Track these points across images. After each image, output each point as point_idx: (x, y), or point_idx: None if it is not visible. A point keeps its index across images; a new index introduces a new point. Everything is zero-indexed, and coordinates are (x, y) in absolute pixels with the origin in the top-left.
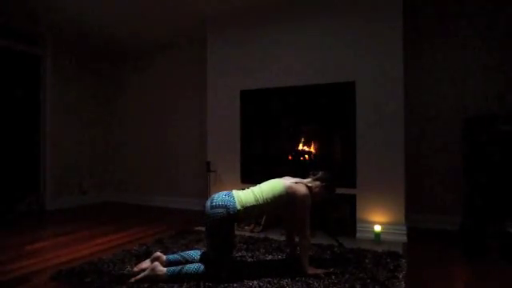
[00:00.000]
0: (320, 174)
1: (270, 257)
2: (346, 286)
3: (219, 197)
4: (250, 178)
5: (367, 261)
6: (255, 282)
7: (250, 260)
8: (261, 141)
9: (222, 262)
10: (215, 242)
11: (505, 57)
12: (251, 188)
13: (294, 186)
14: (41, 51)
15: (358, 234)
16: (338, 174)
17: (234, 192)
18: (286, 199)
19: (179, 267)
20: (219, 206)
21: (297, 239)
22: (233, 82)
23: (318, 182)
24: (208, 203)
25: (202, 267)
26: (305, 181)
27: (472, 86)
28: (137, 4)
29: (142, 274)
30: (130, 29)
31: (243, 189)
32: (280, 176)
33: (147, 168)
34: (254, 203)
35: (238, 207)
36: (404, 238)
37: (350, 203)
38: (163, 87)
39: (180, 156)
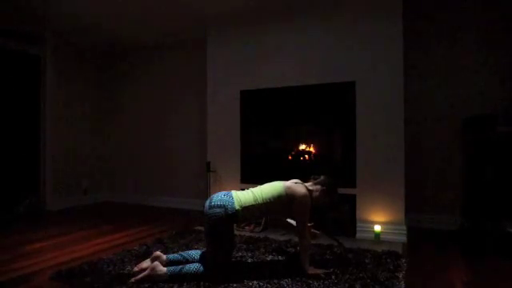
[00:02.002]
0: (321, 178)
1: (270, 257)
2: (346, 285)
3: (218, 197)
4: (250, 178)
5: (367, 261)
6: (255, 282)
7: (249, 260)
8: (261, 141)
9: (222, 262)
10: (214, 241)
11: (505, 57)
12: (251, 189)
13: (294, 186)
14: (41, 51)
15: (357, 234)
16: (338, 174)
17: (233, 192)
18: (285, 200)
19: (179, 267)
20: (218, 206)
21: (296, 239)
22: (233, 82)
23: (318, 186)
24: (207, 203)
25: (203, 267)
26: (306, 184)
27: (472, 86)
28: (137, 4)
29: (143, 274)
30: (130, 29)
31: (243, 189)
32: (279, 176)
33: (147, 168)
34: (253, 203)
35: (237, 207)
36: (404, 238)
37: (350, 203)
38: (163, 87)
39: (180, 156)
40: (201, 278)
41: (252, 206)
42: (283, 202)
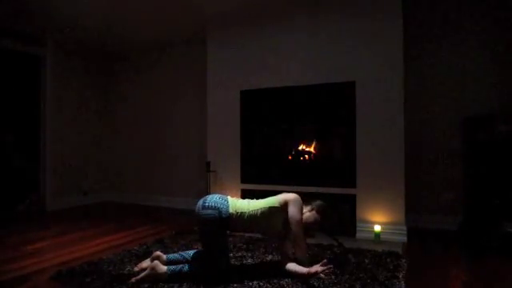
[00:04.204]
0: (316, 202)
1: (269, 257)
2: (346, 285)
3: (213, 198)
4: (250, 178)
5: (367, 261)
6: (255, 282)
7: (249, 260)
8: (261, 141)
9: (219, 263)
10: (207, 243)
11: (505, 57)
12: (247, 199)
13: (285, 194)
14: (41, 51)
15: (357, 234)
16: (338, 174)
17: (229, 197)
18: (279, 207)
19: (179, 266)
20: (211, 208)
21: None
22: (233, 81)
23: (309, 207)
24: (200, 202)
25: (202, 267)
26: None
27: (472, 86)
28: (137, 4)
29: (143, 274)
30: (130, 29)
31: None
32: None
33: (147, 168)
34: (246, 210)
35: (231, 211)
36: (404, 238)
37: (350, 203)
38: (163, 87)
39: (180, 156)
40: (200, 277)
41: (245, 213)
42: (277, 209)
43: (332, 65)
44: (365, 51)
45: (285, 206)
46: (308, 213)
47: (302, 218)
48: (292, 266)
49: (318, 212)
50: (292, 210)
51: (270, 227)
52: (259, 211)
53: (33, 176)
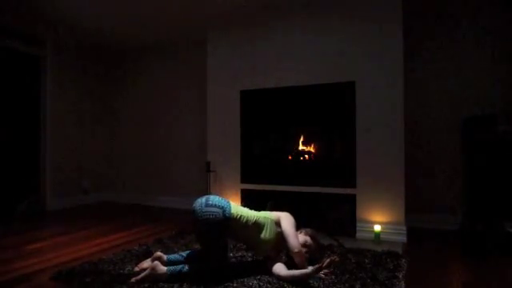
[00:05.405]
0: (306, 228)
1: None
2: (346, 285)
3: (215, 198)
4: (250, 178)
5: (367, 261)
6: (255, 282)
7: (250, 260)
8: (261, 141)
9: (219, 264)
10: (208, 243)
11: (505, 57)
12: (247, 208)
13: (278, 212)
14: (41, 51)
15: (357, 234)
16: (338, 174)
17: (230, 201)
18: (274, 222)
19: (179, 266)
20: (216, 206)
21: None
22: (233, 81)
23: (298, 231)
24: (202, 201)
25: (201, 267)
26: None
27: (472, 86)
28: (137, 4)
29: (143, 274)
30: (130, 29)
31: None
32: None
33: (147, 168)
34: (245, 214)
35: (233, 211)
36: (404, 238)
37: (350, 203)
38: (163, 87)
39: (180, 156)
40: (200, 277)
41: (244, 216)
42: (272, 222)
43: (332, 65)
44: (365, 51)
45: (277, 218)
46: (299, 235)
47: (295, 232)
48: (292, 271)
49: (307, 234)
50: (285, 224)
51: (261, 239)
52: (254, 219)
53: (33, 176)
